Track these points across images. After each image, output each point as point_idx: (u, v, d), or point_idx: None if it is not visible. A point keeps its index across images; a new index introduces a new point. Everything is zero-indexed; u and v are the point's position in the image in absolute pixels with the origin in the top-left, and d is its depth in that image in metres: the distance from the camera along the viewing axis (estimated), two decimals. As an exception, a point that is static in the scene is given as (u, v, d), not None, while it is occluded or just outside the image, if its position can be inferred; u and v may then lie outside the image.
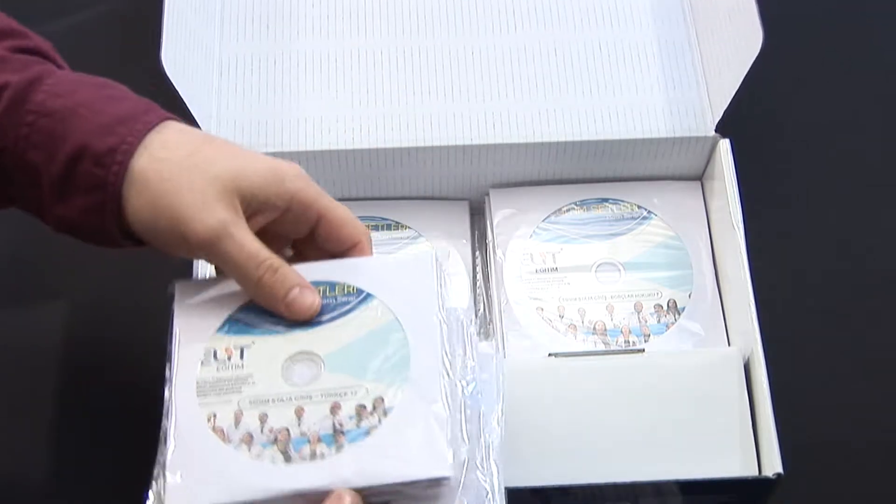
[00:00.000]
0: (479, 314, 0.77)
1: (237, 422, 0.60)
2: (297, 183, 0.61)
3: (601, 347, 0.75)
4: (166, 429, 0.61)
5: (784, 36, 0.78)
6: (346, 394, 0.60)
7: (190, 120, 0.74)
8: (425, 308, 0.62)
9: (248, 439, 0.59)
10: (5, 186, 0.62)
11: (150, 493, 0.59)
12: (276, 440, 0.59)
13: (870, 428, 0.78)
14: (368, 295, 0.63)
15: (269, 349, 0.61)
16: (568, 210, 0.80)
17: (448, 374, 0.60)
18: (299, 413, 0.60)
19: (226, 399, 0.60)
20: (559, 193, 0.81)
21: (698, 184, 0.81)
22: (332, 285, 0.63)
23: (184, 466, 0.59)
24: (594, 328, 0.75)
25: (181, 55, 0.75)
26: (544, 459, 0.69)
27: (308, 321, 0.62)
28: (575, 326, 0.76)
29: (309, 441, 0.59)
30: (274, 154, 0.77)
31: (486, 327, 0.76)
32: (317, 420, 0.59)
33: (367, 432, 0.58)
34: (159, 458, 0.60)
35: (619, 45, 0.83)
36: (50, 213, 0.61)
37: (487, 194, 0.80)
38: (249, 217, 0.60)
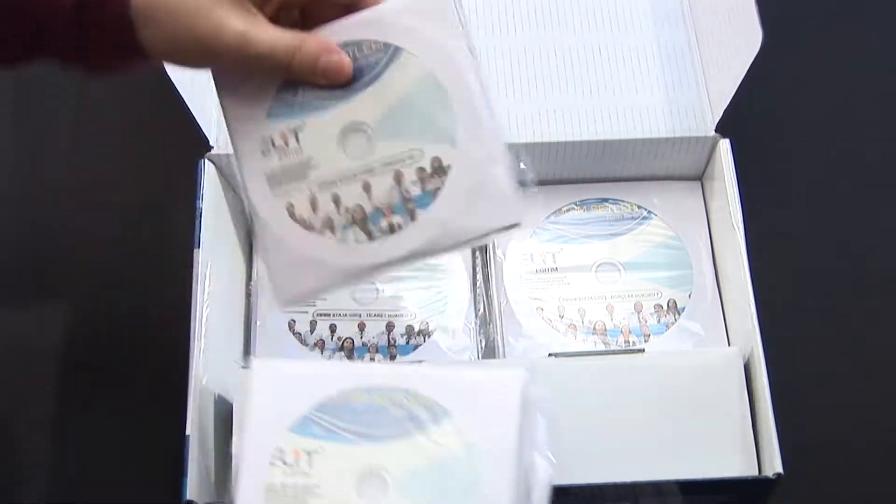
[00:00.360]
0: (480, 314, 0.77)
1: (314, 208, 0.61)
2: None
3: (601, 347, 0.75)
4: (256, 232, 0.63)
5: (784, 36, 0.78)
6: (403, 160, 0.61)
7: (191, 121, 0.75)
8: (456, 52, 0.62)
9: (330, 223, 0.61)
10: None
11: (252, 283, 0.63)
12: (353, 220, 0.61)
13: (870, 428, 0.78)
14: (397, 49, 0.61)
15: (320, 127, 0.61)
16: (568, 210, 0.80)
17: (493, 116, 0.61)
18: (367, 188, 0.61)
19: (297, 187, 0.61)
20: (559, 193, 0.81)
21: (698, 184, 0.81)
22: (359, 45, 0.62)
23: (277, 261, 0.62)
24: (594, 328, 0.76)
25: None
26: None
27: (346, 87, 0.61)
28: (575, 326, 0.76)
29: (384, 214, 0.61)
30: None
31: (486, 327, 0.76)
32: (385, 191, 0.61)
33: (433, 195, 0.60)
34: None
35: (619, 46, 0.83)
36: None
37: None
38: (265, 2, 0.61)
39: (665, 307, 0.76)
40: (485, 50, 0.83)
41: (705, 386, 0.70)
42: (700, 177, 0.81)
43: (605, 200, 0.81)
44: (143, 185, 0.86)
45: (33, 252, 0.85)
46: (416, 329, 0.76)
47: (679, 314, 0.76)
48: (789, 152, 0.88)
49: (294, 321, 0.76)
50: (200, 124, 0.75)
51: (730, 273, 0.76)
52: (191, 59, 0.60)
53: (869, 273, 0.84)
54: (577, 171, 0.81)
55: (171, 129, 0.77)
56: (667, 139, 0.79)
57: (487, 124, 0.61)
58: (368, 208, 0.61)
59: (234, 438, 0.65)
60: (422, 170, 0.61)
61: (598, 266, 0.78)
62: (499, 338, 0.75)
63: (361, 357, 0.75)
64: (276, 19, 0.61)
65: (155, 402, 0.76)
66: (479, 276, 0.79)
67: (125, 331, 0.81)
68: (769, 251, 0.76)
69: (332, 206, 0.61)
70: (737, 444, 0.69)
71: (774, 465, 0.66)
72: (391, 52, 0.61)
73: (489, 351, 0.75)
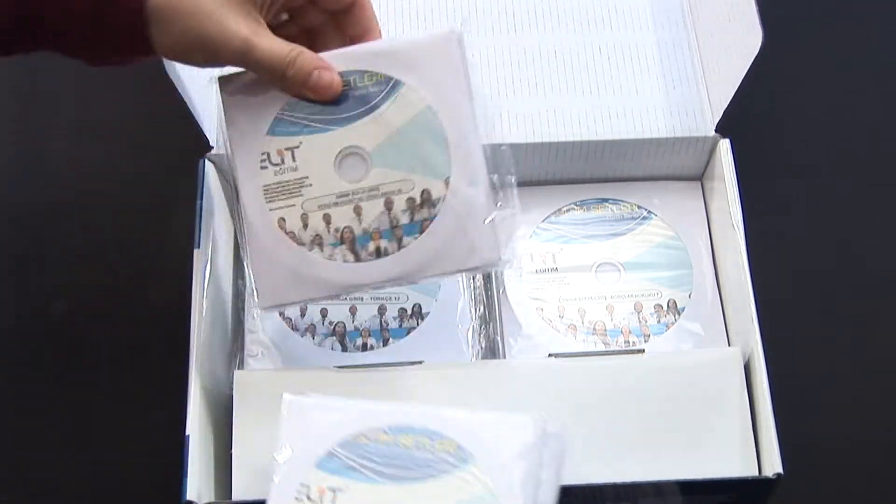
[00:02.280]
0: (480, 314, 0.77)
1: (305, 224, 0.65)
2: None
3: (601, 348, 0.75)
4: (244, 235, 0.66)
5: (784, 36, 0.78)
6: (396, 190, 0.64)
7: (192, 121, 0.75)
8: (455, 92, 0.64)
9: (319, 240, 0.65)
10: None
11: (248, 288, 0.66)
12: (342, 240, 0.64)
13: (870, 428, 0.78)
14: (398, 82, 0.64)
15: (318, 148, 0.65)
16: (568, 210, 0.80)
17: (485, 156, 0.64)
18: (358, 211, 0.65)
19: (290, 202, 0.65)
20: (559, 193, 0.81)
21: (698, 184, 0.81)
22: (363, 74, 0.65)
23: (263, 269, 0.66)
24: (594, 328, 0.75)
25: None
26: (544, 459, 0.69)
27: (347, 111, 0.65)
28: (575, 326, 0.76)
29: (371, 238, 0.64)
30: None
31: (486, 327, 0.76)
32: (375, 216, 0.64)
33: (421, 225, 0.63)
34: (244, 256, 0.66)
35: (619, 46, 0.83)
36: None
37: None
38: (267, 9, 0.64)
39: (665, 307, 0.76)
40: (485, 50, 0.83)
41: (705, 386, 0.70)
42: (700, 177, 0.81)
43: (605, 200, 0.81)
44: (143, 184, 0.86)
45: (33, 251, 0.85)
46: (409, 312, 0.76)
47: (679, 314, 0.76)
48: (789, 152, 0.88)
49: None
50: (200, 124, 0.75)
51: (730, 273, 0.76)
52: (197, 59, 0.63)
53: (869, 273, 0.84)
54: (577, 171, 0.81)
55: (171, 129, 0.77)
56: (667, 139, 0.79)
57: (479, 165, 0.64)
58: (357, 231, 0.65)
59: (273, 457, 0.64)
60: (412, 200, 0.64)
61: (598, 266, 0.78)
62: (499, 338, 0.75)
63: (354, 341, 0.75)
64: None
65: (155, 402, 0.76)
66: (479, 277, 0.79)
67: (125, 331, 0.81)
68: (769, 251, 0.76)
69: (322, 224, 0.65)
70: (737, 444, 0.69)
71: (774, 465, 0.66)
72: (392, 85, 0.65)
73: (489, 351, 0.75)
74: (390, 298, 0.76)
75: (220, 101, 0.66)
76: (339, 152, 0.65)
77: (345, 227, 0.65)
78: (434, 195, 0.64)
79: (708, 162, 0.80)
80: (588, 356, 0.72)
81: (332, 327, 0.75)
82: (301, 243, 0.65)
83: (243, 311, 0.76)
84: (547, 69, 0.82)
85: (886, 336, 0.81)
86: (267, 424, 0.63)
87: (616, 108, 0.80)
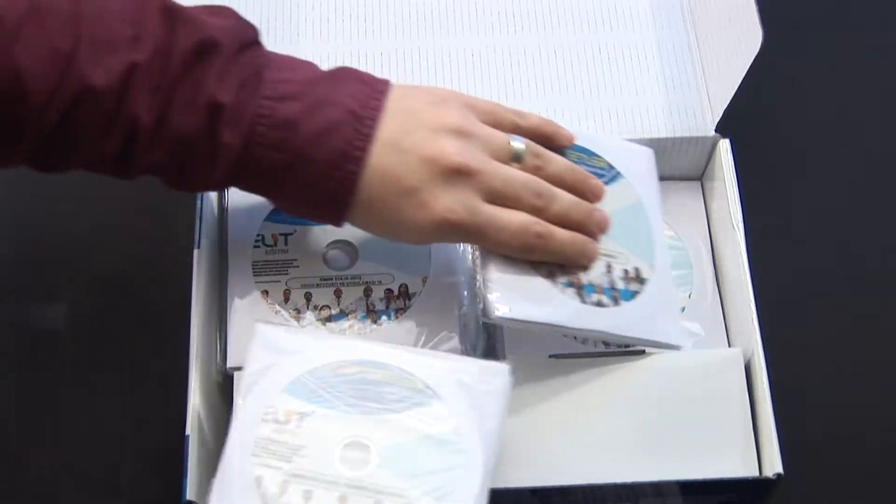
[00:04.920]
0: (480, 311, 0.76)
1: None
2: None
3: (600, 346, 0.75)
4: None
5: (784, 36, 0.79)
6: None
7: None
8: (657, 194, 0.75)
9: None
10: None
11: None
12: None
13: (870, 428, 0.78)
14: (619, 173, 0.73)
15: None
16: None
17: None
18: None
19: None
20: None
21: (698, 184, 0.81)
22: (591, 155, 0.72)
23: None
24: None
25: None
26: (545, 460, 0.69)
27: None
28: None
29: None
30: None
31: (486, 325, 0.76)
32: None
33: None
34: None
35: (619, 46, 0.83)
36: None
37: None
38: None
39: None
40: (485, 50, 0.83)
41: (706, 387, 0.70)
42: (700, 177, 0.81)
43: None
44: (143, 184, 0.86)
45: (33, 251, 0.85)
46: (396, 293, 0.75)
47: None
48: (789, 152, 0.88)
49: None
50: (200, 124, 0.75)
51: (730, 273, 0.76)
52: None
53: (869, 273, 0.84)
54: (577, 172, 0.81)
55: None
56: (667, 139, 0.79)
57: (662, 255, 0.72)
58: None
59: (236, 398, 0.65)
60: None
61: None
62: (498, 334, 0.75)
63: (340, 323, 0.74)
64: None
65: (155, 401, 0.76)
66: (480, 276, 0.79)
67: (125, 331, 0.81)
68: (769, 251, 0.76)
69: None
70: (737, 445, 0.69)
71: (775, 465, 0.66)
72: (615, 174, 0.73)
73: (490, 349, 0.75)
74: (376, 280, 0.74)
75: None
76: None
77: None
78: (643, 273, 0.70)
79: (708, 162, 0.80)
80: (588, 357, 0.72)
81: (318, 310, 0.72)
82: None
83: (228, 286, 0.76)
84: (547, 69, 0.82)
85: (886, 336, 0.81)
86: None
87: (616, 108, 0.80)
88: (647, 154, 0.76)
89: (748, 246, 0.73)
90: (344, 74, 0.66)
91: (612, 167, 0.72)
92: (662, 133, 0.79)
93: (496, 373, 0.64)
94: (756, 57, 0.71)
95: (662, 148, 0.79)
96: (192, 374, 0.68)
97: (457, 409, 0.63)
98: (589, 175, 0.70)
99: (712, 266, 0.78)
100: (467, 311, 0.73)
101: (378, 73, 0.81)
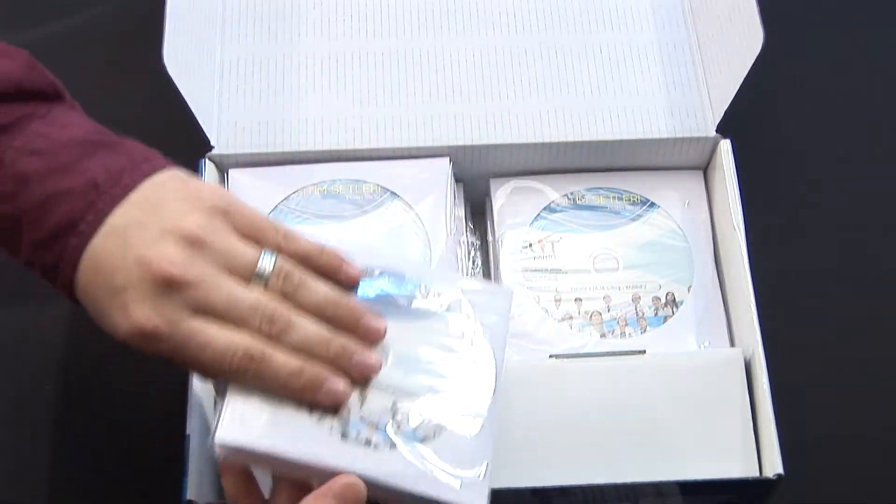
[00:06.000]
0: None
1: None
2: None
3: (597, 338, 0.75)
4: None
5: (784, 36, 0.78)
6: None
7: (192, 121, 0.75)
8: (702, 226, 0.77)
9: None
10: None
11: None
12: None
13: (870, 428, 0.78)
14: (653, 203, 0.78)
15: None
16: (567, 199, 0.80)
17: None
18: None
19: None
20: (559, 183, 0.80)
21: (700, 174, 0.81)
22: (621, 194, 0.78)
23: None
24: (591, 319, 0.75)
25: (183, 56, 0.76)
26: (545, 460, 0.69)
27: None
28: (571, 317, 0.75)
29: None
30: (276, 154, 0.77)
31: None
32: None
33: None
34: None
35: (619, 46, 0.83)
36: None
37: (488, 183, 0.80)
38: None
39: (663, 300, 0.76)
40: (485, 50, 0.83)
41: (706, 386, 0.70)
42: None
43: (607, 191, 0.80)
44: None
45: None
46: None
47: (677, 307, 0.76)
48: (790, 152, 0.88)
49: None
50: (201, 124, 0.75)
51: (730, 273, 0.76)
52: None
53: (869, 273, 0.84)
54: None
55: (171, 129, 0.77)
56: (667, 139, 0.79)
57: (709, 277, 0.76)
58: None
59: None
60: (658, 299, 0.76)
61: (595, 257, 0.78)
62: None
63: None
64: None
65: (155, 401, 0.76)
66: (479, 263, 0.79)
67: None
68: (770, 251, 0.76)
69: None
70: (738, 445, 0.69)
71: (775, 465, 0.66)
72: (649, 204, 0.78)
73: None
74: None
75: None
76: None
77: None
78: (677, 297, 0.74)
79: (709, 162, 0.80)
80: (589, 357, 0.72)
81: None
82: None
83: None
84: (547, 69, 0.82)
85: (886, 336, 0.81)
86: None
87: (616, 108, 0.80)
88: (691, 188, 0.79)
89: (748, 246, 0.73)
90: (118, 145, 0.61)
91: (647, 199, 0.79)
92: (663, 133, 0.79)
93: (438, 165, 0.74)
94: (757, 57, 0.71)
95: (663, 148, 0.79)
96: (192, 373, 0.68)
97: (412, 198, 0.75)
98: (365, 312, 0.60)
99: (713, 262, 0.78)
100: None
101: (379, 73, 0.82)
